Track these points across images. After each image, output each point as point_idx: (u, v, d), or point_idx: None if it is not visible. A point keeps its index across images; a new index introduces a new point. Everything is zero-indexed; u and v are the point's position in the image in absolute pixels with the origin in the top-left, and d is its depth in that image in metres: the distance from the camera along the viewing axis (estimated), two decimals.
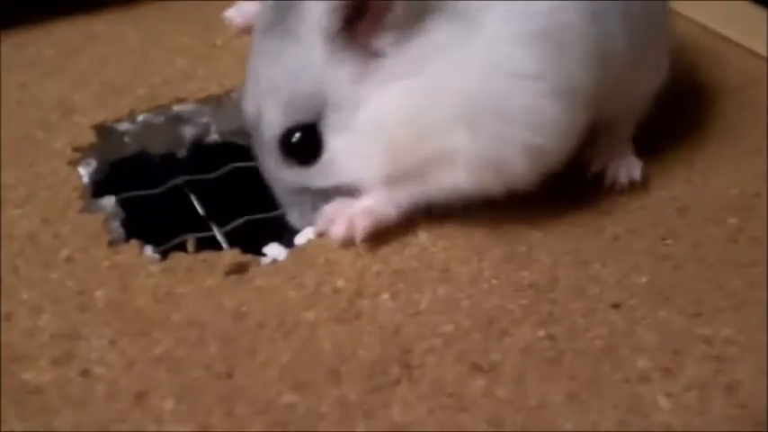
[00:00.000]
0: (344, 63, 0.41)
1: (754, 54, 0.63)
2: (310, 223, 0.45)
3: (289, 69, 0.42)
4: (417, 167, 0.42)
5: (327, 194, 0.44)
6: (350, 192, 0.43)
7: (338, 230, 0.43)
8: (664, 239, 0.46)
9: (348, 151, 0.42)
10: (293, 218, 0.46)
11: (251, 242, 0.46)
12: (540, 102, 0.41)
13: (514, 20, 0.41)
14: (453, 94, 0.40)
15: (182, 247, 0.45)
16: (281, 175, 0.45)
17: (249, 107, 0.44)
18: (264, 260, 0.44)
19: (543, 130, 0.41)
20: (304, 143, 0.43)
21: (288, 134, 0.43)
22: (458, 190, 0.42)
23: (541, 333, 0.40)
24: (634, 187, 0.49)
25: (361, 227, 0.43)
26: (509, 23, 0.41)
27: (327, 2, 0.40)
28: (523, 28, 0.41)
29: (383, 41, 0.41)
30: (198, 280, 0.42)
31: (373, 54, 0.41)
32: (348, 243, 0.43)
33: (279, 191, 0.45)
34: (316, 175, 0.44)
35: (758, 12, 0.67)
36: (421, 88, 0.41)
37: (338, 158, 0.43)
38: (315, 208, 0.44)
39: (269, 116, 0.43)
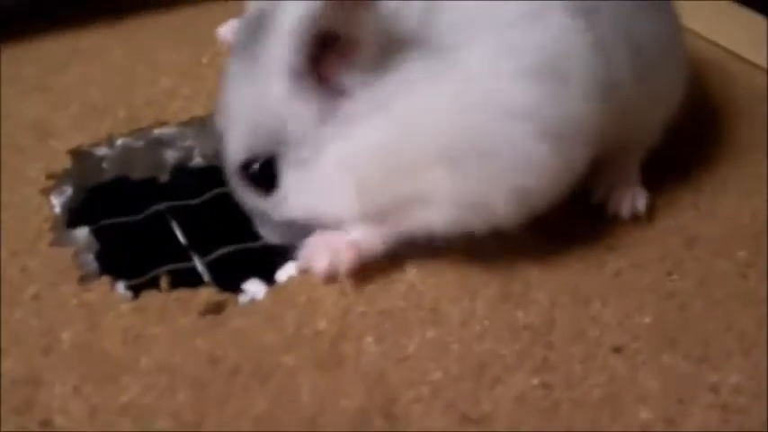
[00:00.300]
0: (308, 100, 0.39)
1: (762, 69, 0.60)
2: (285, 239, 0.42)
3: (251, 99, 0.40)
4: (393, 206, 0.39)
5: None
6: (332, 225, 0.41)
7: (321, 265, 0.40)
8: (669, 274, 0.43)
9: (304, 188, 0.40)
10: (265, 233, 0.44)
11: (234, 272, 0.44)
12: (527, 143, 0.38)
13: (504, 54, 0.38)
14: (428, 132, 0.38)
15: (158, 282, 0.43)
16: (245, 198, 0.43)
17: (218, 127, 0.42)
18: (242, 298, 0.41)
19: (530, 171, 0.39)
20: (262, 174, 0.41)
21: (246, 163, 0.41)
22: (438, 229, 0.40)
23: (536, 381, 0.37)
24: (638, 218, 0.46)
25: (346, 261, 0.40)
26: (497, 58, 0.38)
27: (292, 37, 0.37)
28: (513, 63, 0.38)
29: (351, 80, 0.38)
30: (170, 320, 0.40)
31: (340, 92, 0.38)
32: (331, 278, 0.41)
33: (248, 209, 0.44)
34: (274, 207, 0.41)
35: (759, 20, 0.64)
36: (391, 126, 0.38)
37: (293, 194, 0.41)
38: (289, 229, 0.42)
39: (231, 142, 0.41)
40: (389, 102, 0.38)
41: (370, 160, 0.39)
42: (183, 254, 0.48)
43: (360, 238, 0.41)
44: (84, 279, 0.42)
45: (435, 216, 0.39)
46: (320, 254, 0.41)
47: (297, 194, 0.41)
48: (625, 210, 0.46)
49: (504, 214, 0.39)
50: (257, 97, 0.40)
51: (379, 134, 0.38)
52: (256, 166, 0.41)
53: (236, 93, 0.41)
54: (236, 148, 0.41)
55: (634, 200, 0.47)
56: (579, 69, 0.39)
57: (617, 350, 0.39)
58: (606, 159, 0.45)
